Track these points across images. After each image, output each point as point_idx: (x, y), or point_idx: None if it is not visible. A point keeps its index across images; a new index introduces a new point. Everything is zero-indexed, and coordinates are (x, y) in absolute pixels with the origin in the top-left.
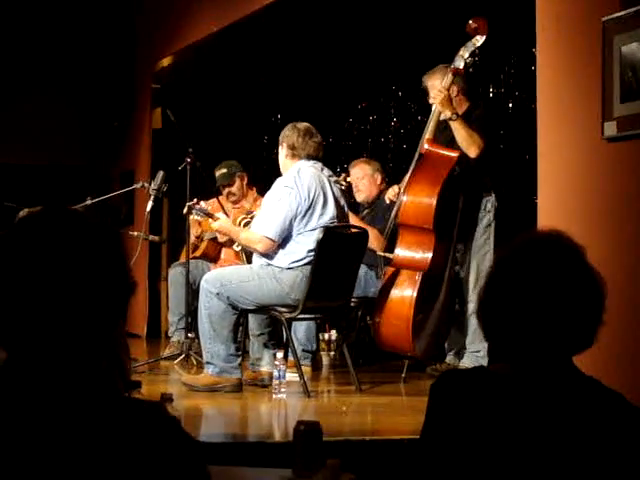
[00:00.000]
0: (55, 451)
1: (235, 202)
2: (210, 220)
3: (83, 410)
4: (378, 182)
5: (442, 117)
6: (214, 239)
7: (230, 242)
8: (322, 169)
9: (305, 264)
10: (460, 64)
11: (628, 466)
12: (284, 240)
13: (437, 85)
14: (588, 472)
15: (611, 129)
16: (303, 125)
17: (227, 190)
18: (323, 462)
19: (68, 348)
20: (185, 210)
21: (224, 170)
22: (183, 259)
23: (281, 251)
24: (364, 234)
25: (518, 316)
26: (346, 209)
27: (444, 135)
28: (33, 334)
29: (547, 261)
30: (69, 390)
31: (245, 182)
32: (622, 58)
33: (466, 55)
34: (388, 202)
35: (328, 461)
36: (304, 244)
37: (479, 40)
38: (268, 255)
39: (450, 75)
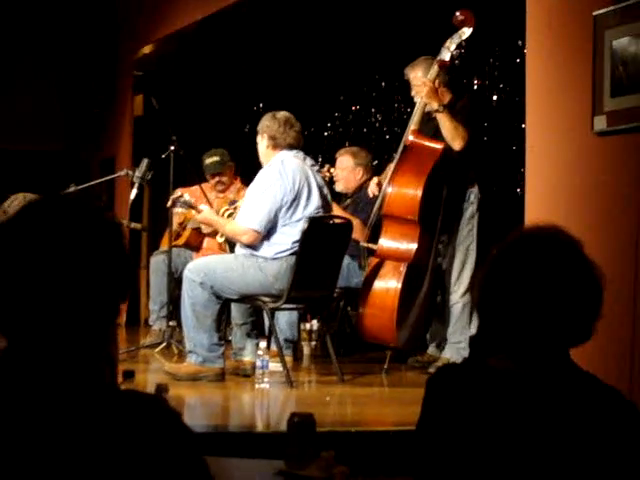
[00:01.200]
0: (53, 444)
1: (222, 191)
2: (194, 212)
3: (82, 402)
4: (358, 176)
5: (427, 109)
6: (197, 229)
7: (214, 233)
8: (304, 159)
9: (290, 254)
10: (446, 56)
11: (623, 460)
12: (269, 231)
13: (419, 77)
14: (583, 466)
15: (601, 123)
16: (282, 114)
17: (217, 179)
18: (317, 454)
19: (68, 338)
20: (169, 203)
21: (216, 158)
22: (164, 247)
23: (266, 242)
24: (348, 225)
25: (516, 309)
26: (329, 198)
27: (427, 127)
28: (34, 323)
29: (545, 254)
30: (68, 381)
31: (232, 172)
32: (613, 52)
33: (452, 47)
34: (371, 195)
35: (322, 453)
36: (289, 235)
37: (466, 32)
38: (253, 246)
39: (436, 67)
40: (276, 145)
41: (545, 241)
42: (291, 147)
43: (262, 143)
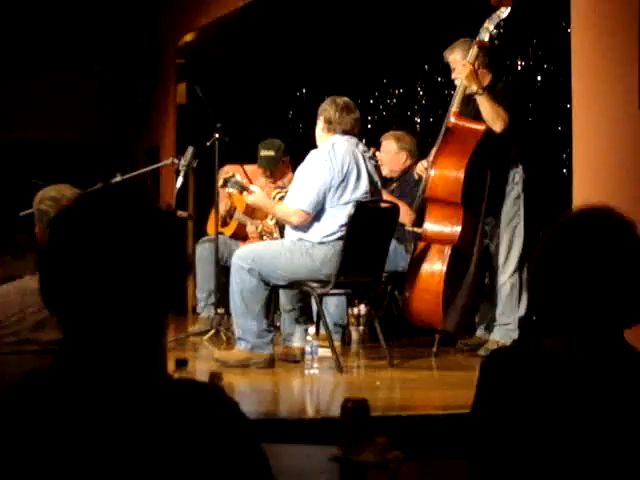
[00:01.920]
0: (114, 434)
1: (273, 182)
2: (245, 193)
3: (141, 392)
4: (402, 160)
5: (468, 91)
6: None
7: (259, 236)
8: (357, 144)
9: (337, 239)
10: (485, 37)
11: None
12: (317, 213)
13: (459, 60)
14: None
15: None
16: (342, 100)
17: (268, 173)
18: (371, 439)
19: (126, 328)
20: (221, 183)
21: (271, 154)
22: (210, 232)
23: (315, 224)
24: (395, 209)
25: (570, 290)
26: (379, 185)
27: (469, 109)
28: (91, 314)
29: (599, 235)
30: (126, 371)
31: (286, 165)
32: None
33: (491, 27)
34: (417, 177)
35: (376, 438)
36: (337, 218)
37: (504, 12)
38: (301, 228)
39: (476, 48)
40: (330, 129)
41: (598, 222)
42: (345, 132)
43: (319, 126)
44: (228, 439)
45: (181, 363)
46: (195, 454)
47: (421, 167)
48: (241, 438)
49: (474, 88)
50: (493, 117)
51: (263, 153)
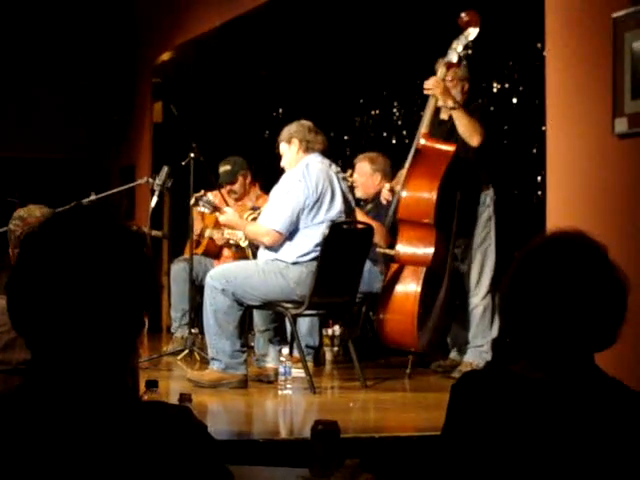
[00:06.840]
0: (79, 456)
1: (237, 199)
2: (217, 213)
3: (107, 415)
4: (377, 182)
5: (440, 104)
6: (211, 239)
7: (227, 244)
8: (330, 165)
9: (311, 259)
10: (453, 58)
11: None
12: (291, 233)
13: (432, 79)
14: (610, 474)
15: (622, 125)
16: (306, 122)
17: (229, 188)
18: (341, 462)
19: (93, 350)
20: (192, 201)
21: (227, 167)
22: (187, 255)
23: (288, 244)
24: (370, 230)
25: (541, 314)
26: (353, 205)
27: (439, 131)
28: (59, 335)
29: (570, 259)
30: (92, 393)
31: (248, 180)
32: (633, 54)
33: (459, 48)
34: (385, 202)
35: (346, 461)
36: (311, 238)
37: (472, 33)
38: (275, 248)
39: (444, 69)
40: (308, 148)
41: (570, 246)
42: (320, 152)
43: (292, 149)
44: (194, 461)
45: (151, 384)
46: (161, 476)
47: (386, 191)
48: (208, 460)
49: (450, 103)
50: (470, 131)
51: (220, 169)
